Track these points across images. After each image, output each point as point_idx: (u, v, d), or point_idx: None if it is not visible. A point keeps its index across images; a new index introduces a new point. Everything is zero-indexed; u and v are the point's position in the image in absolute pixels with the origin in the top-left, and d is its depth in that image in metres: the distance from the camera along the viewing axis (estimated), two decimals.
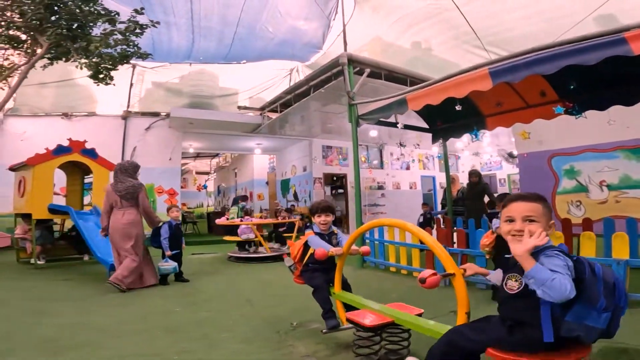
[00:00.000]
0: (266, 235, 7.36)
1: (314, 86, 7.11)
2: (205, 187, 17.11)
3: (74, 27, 4.33)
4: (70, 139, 5.98)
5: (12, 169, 6.38)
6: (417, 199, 12.35)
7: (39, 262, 5.94)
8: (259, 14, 6.33)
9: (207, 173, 18.28)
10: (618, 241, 3.33)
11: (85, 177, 7.08)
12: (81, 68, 4.77)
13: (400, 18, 6.58)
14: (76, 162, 6.17)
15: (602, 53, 3.10)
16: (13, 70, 5.15)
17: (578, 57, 3.21)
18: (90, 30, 4.49)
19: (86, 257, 6.58)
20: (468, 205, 7.19)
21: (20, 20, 4.62)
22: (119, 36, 4.48)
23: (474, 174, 7.32)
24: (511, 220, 1.44)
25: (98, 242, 5.08)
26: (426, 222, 7.49)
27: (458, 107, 4.94)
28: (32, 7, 4.14)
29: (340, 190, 12.43)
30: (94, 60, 4.49)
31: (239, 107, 9.56)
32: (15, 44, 5.10)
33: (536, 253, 1.34)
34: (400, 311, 2.21)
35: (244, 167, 15.53)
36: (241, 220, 6.37)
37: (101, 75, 4.76)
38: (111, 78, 4.87)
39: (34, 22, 4.51)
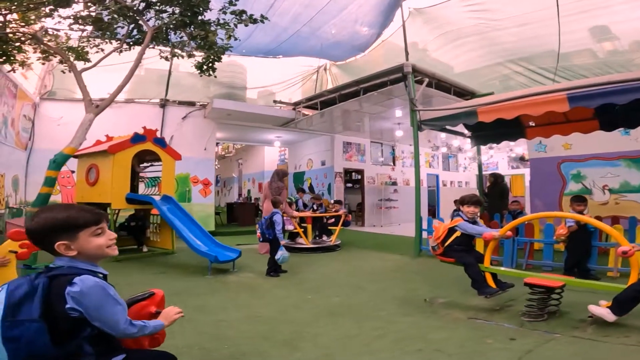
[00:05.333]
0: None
1: (363, 89, 7.60)
2: None
3: (188, 14, 4.39)
4: (144, 127, 6.07)
5: (76, 155, 6.33)
6: (423, 195, 13.25)
7: None
8: (332, 18, 6.62)
9: None
10: None
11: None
12: (184, 57, 4.84)
13: (447, 32, 7.22)
14: None
15: None
16: (106, 56, 5.14)
17: None
18: (203, 18, 4.57)
19: (145, 249, 6.69)
20: (489, 203, 8.05)
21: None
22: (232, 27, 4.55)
23: (490, 176, 8.15)
24: None
25: (191, 234, 5.33)
26: None
27: (532, 123, 5.69)
28: None
29: (349, 185, 13.06)
30: (205, 50, 4.57)
31: (275, 102, 9.82)
32: (99, 26, 5.05)
33: None
34: (569, 278, 3.18)
35: (252, 158, 15.66)
36: (313, 212, 6.91)
37: (204, 67, 4.88)
38: (214, 69, 4.98)
39: (138, 4, 4.52)
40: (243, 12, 4.44)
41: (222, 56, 4.86)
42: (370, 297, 3.90)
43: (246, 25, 4.53)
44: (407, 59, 6.58)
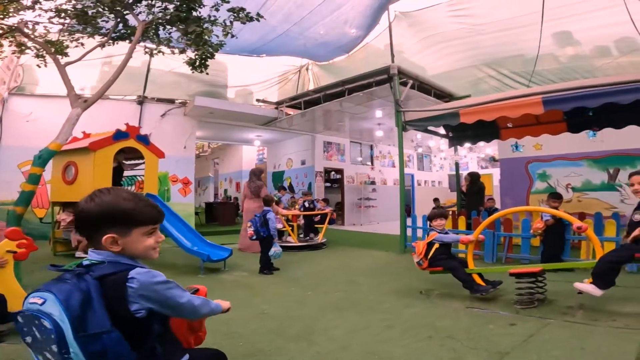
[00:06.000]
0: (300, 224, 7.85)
1: (348, 89, 7.74)
2: None
3: (184, 8, 4.25)
4: (127, 124, 5.84)
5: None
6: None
7: (83, 256, 5.76)
8: (323, 18, 6.64)
9: None
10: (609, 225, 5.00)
11: None
12: (174, 53, 4.69)
13: (431, 35, 7.51)
14: None
15: (633, 96, 4.31)
16: (89, 52, 4.90)
17: (617, 97, 4.41)
18: (198, 14, 4.46)
19: None
20: (468, 201, 8.48)
21: None
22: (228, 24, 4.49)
23: (467, 176, 8.57)
24: (632, 184, 2.94)
25: (179, 234, 5.20)
26: None
27: (510, 125, 6.04)
28: None
29: (328, 184, 13.18)
30: (200, 46, 4.45)
31: (258, 100, 9.74)
32: (83, 18, 4.82)
33: None
34: (548, 263, 3.59)
35: (229, 157, 15.41)
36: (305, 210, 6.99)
37: (197, 64, 4.76)
38: (206, 67, 4.88)
39: None
40: (242, 9, 4.40)
41: (215, 53, 4.80)
42: (368, 291, 4.01)
43: (243, 23, 4.50)
44: (392, 61, 6.78)
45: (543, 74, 8.30)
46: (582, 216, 6.66)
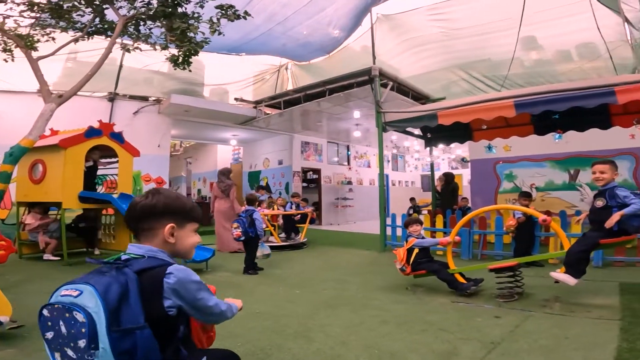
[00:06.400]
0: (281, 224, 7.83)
1: (329, 89, 7.81)
2: None
3: (169, 4, 4.11)
4: (100, 121, 5.57)
5: None
6: (375, 194, 13.91)
7: (52, 258, 5.47)
8: (308, 19, 6.62)
9: None
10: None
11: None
12: (156, 49, 4.52)
13: (411, 38, 7.73)
14: None
15: (598, 100, 4.67)
16: (63, 47, 4.62)
17: (582, 101, 4.76)
18: (184, 10, 4.31)
19: (97, 252, 6.16)
20: (442, 200, 8.78)
21: None
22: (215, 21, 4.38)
23: (442, 176, 8.87)
24: (594, 172, 3.11)
25: None
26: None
27: (484, 127, 6.31)
28: None
29: (305, 184, 13.20)
30: (185, 43, 4.30)
31: (236, 99, 9.57)
32: (57, 12, 4.57)
33: (612, 188, 3.01)
34: (522, 257, 3.78)
35: (203, 156, 15.02)
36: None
37: (179, 61, 4.61)
38: (189, 64, 4.73)
39: None
40: (231, 6, 4.32)
41: (199, 50, 4.67)
42: (356, 288, 4.07)
43: (231, 21, 4.41)
44: (374, 63, 6.91)
45: (511, 78, 8.77)
46: (548, 214, 7.13)
